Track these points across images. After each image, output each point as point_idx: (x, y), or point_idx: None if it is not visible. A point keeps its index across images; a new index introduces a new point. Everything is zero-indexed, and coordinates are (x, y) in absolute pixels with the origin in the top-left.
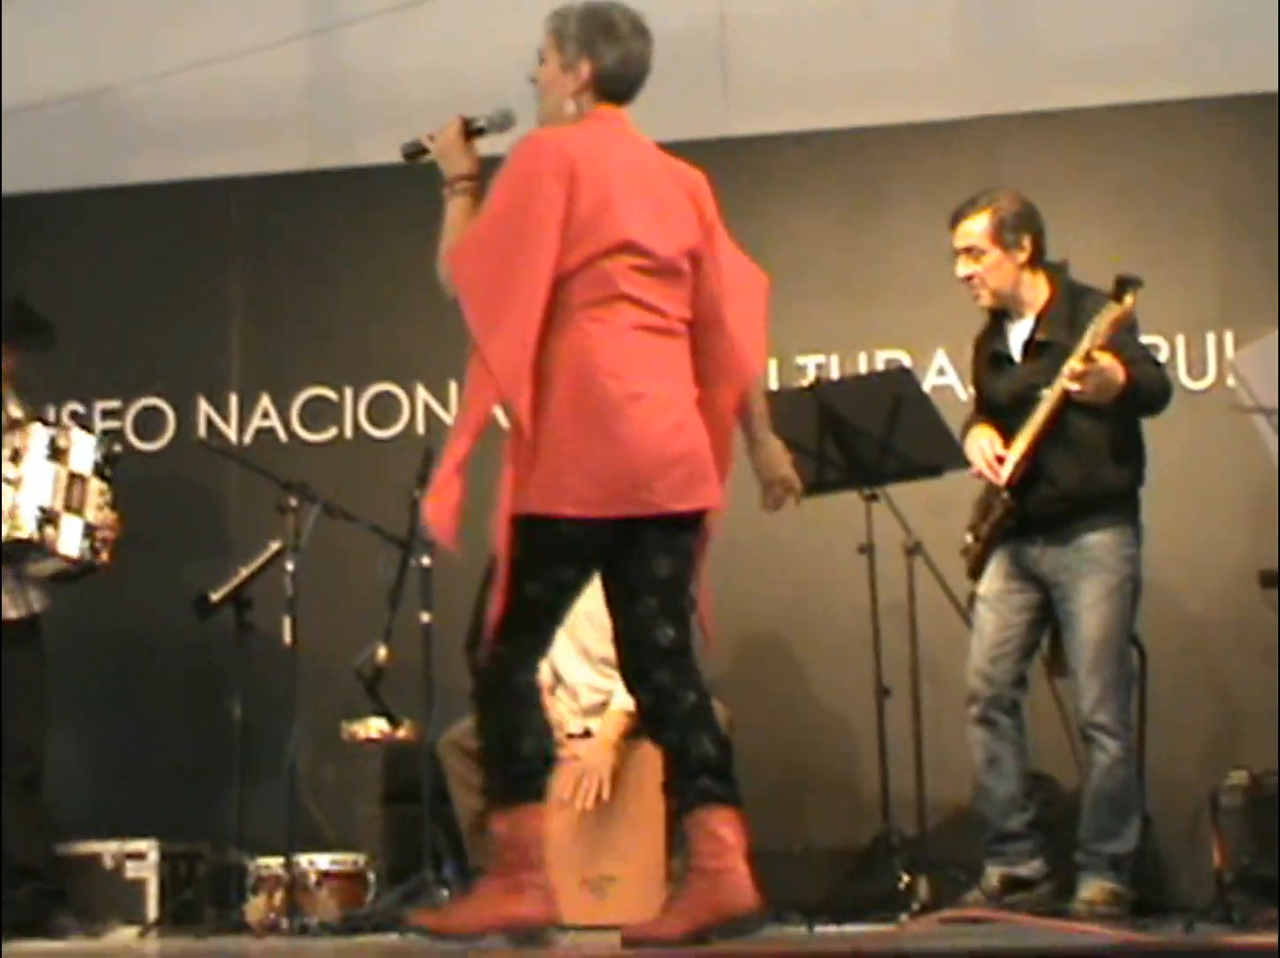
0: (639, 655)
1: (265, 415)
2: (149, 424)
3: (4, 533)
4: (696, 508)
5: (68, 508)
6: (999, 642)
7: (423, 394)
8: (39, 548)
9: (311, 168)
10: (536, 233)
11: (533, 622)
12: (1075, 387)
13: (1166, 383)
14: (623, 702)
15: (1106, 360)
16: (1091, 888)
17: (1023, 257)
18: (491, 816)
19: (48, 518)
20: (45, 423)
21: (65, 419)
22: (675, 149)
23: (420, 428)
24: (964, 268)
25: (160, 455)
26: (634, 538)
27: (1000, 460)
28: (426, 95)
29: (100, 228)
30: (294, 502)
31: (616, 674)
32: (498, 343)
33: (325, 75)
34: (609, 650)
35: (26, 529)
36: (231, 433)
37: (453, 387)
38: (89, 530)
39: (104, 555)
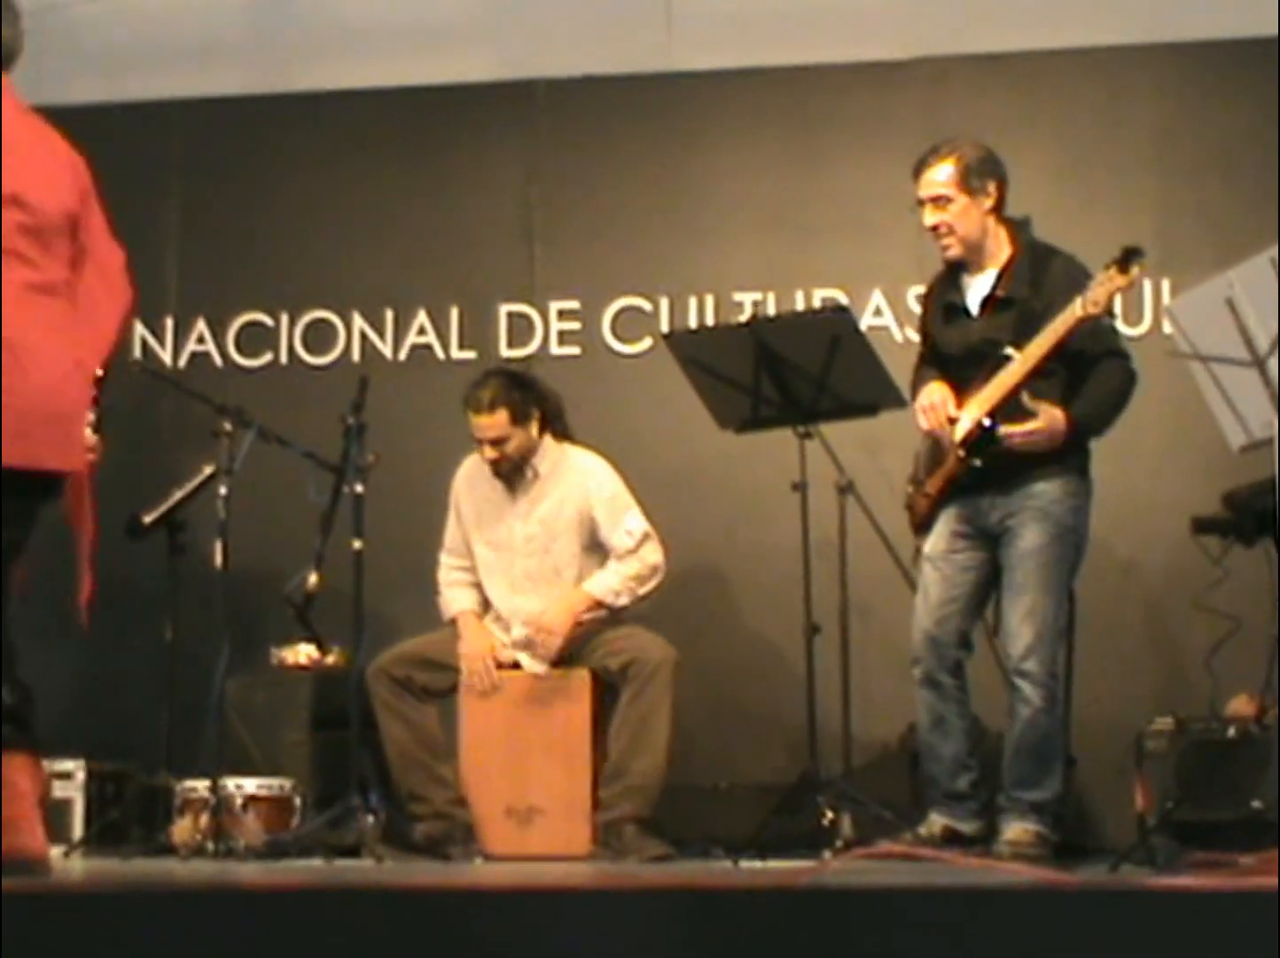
0: None
1: (201, 340)
2: None
3: None
4: (71, 469)
5: None
6: (944, 601)
7: (359, 321)
8: None
9: (251, 92)
10: None
11: None
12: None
13: (1129, 379)
14: (594, 587)
15: (1045, 412)
16: (1014, 829)
17: (988, 203)
18: None
19: None
20: None
21: None
22: (618, 83)
23: (355, 355)
24: (931, 217)
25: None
26: None
27: (952, 421)
28: (367, 18)
29: None
30: (228, 426)
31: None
32: None
33: None
34: (559, 574)
35: None
36: (166, 356)
37: (389, 314)
38: None
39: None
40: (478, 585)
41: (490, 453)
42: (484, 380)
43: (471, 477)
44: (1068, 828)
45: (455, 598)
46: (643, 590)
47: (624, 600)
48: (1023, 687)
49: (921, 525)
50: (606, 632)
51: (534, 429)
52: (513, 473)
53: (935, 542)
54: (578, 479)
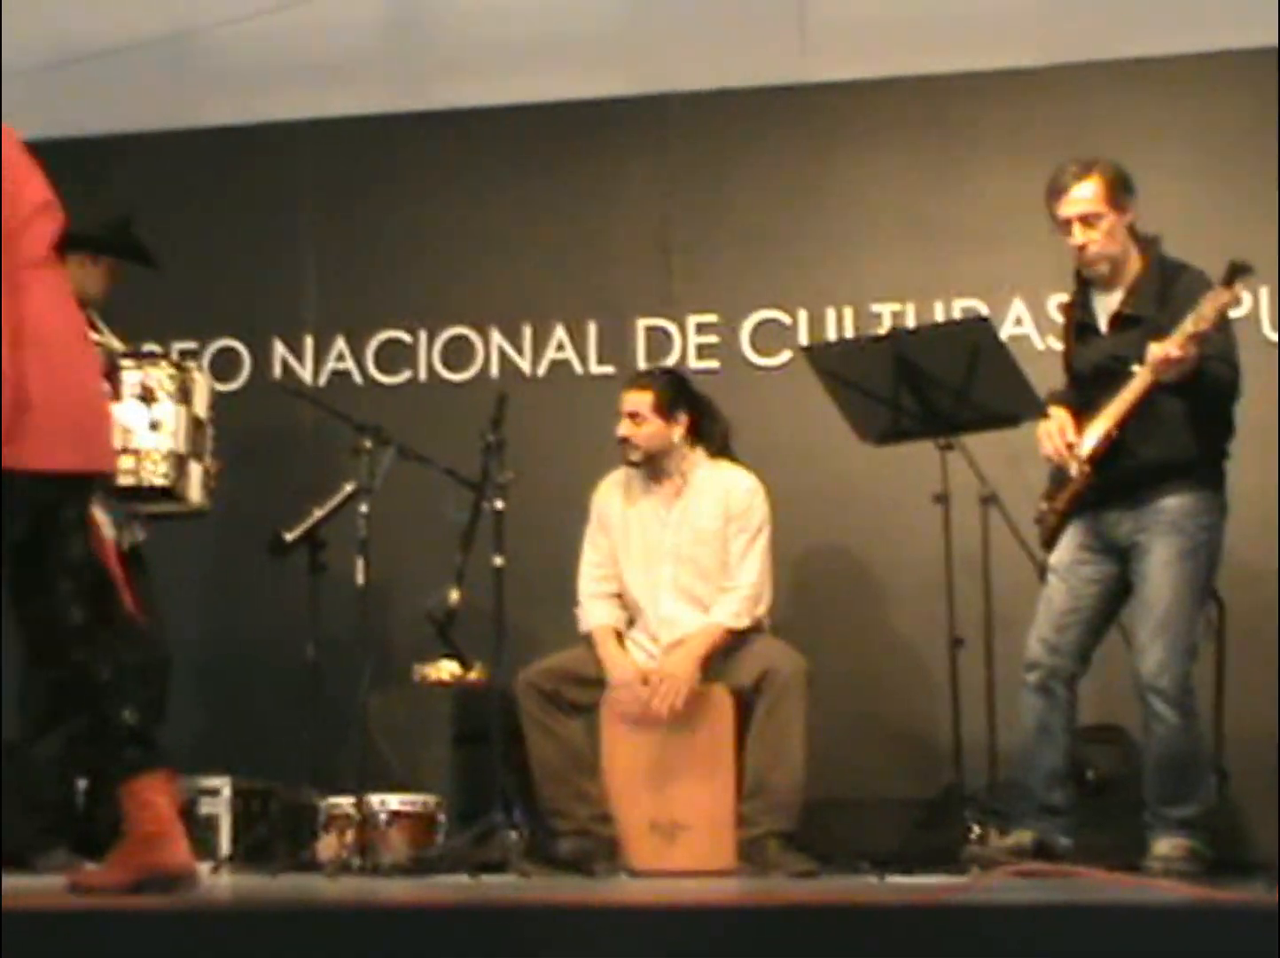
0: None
1: (340, 357)
2: (225, 365)
3: (143, 477)
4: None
5: (193, 454)
6: (1066, 611)
7: (497, 337)
8: (170, 494)
9: (388, 110)
10: None
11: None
12: (1169, 376)
13: (1234, 386)
14: (721, 618)
15: (1192, 351)
16: (1165, 845)
17: (1130, 219)
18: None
19: (180, 466)
20: (173, 363)
21: (185, 359)
22: (752, 95)
23: (494, 371)
24: (1081, 235)
25: (236, 396)
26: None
27: (1071, 447)
28: (500, 35)
29: (178, 170)
30: (368, 444)
31: (705, 607)
32: None
33: (401, 18)
34: (698, 585)
35: (168, 476)
36: (306, 375)
37: (527, 330)
38: (205, 477)
39: (210, 499)
40: (618, 597)
41: (624, 428)
42: (652, 368)
43: (619, 489)
44: (1222, 843)
45: (594, 611)
46: (759, 611)
47: (745, 623)
48: (1156, 704)
49: (1050, 540)
50: (739, 646)
51: (674, 431)
52: (651, 476)
53: (1061, 553)
54: (725, 491)
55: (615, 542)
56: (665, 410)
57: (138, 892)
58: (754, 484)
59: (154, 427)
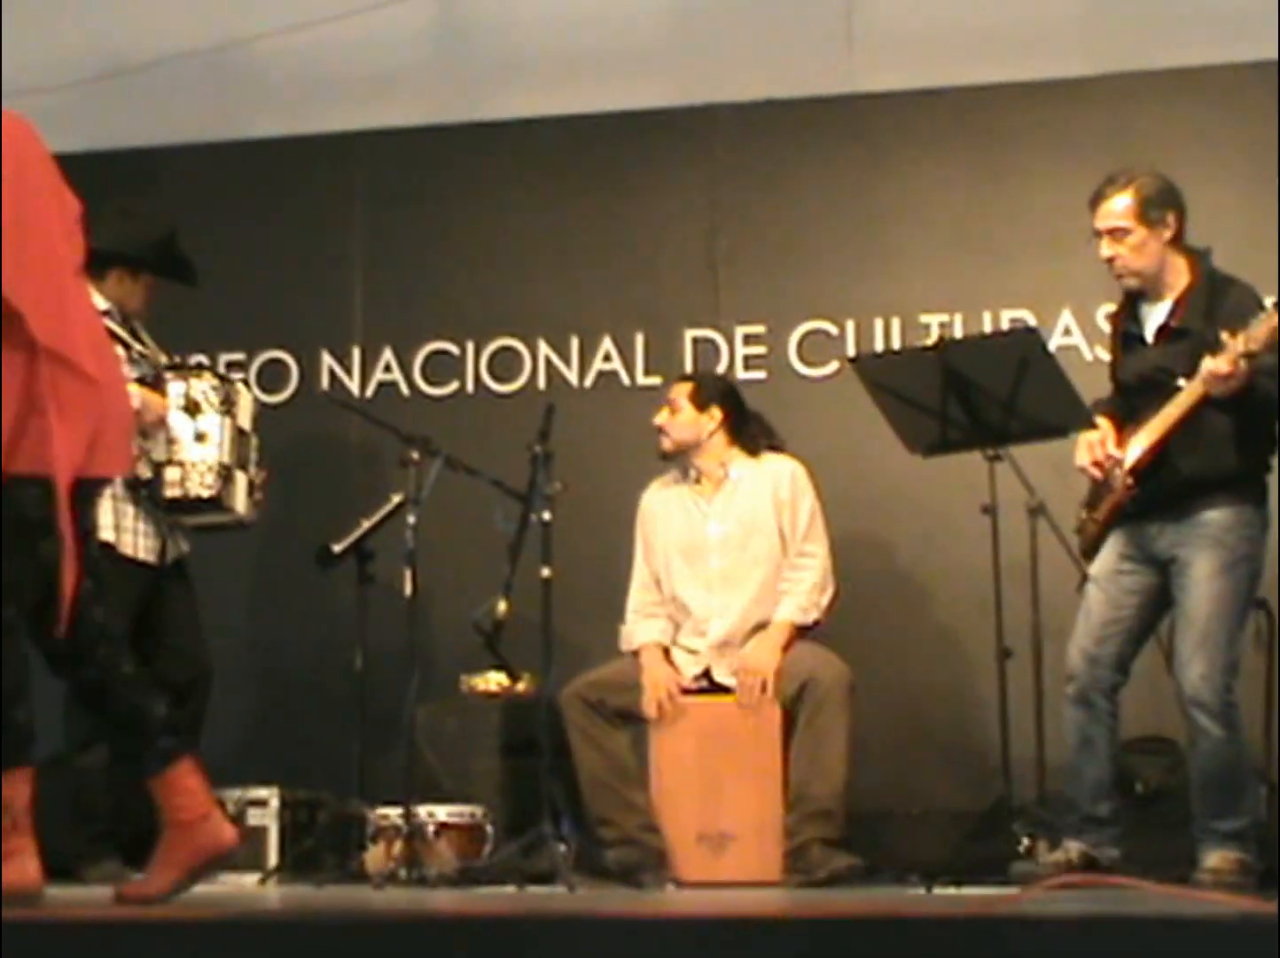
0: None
1: (387, 369)
2: (272, 377)
3: (189, 488)
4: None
5: (238, 465)
6: (1106, 622)
7: (544, 349)
8: (216, 505)
9: (434, 122)
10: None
11: (44, 583)
12: (1218, 391)
13: (1276, 402)
14: (790, 614)
15: (1243, 368)
16: (1215, 857)
17: (1167, 234)
18: (151, 781)
19: (226, 475)
20: (216, 374)
21: (230, 371)
22: (799, 106)
23: (541, 382)
24: (1108, 249)
25: (283, 408)
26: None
27: (1111, 460)
28: (547, 47)
29: (224, 182)
30: (416, 455)
31: (757, 595)
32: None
33: (448, 29)
34: (753, 573)
35: (214, 487)
36: (354, 386)
37: (574, 341)
38: (250, 487)
39: (256, 510)
40: (668, 618)
41: (661, 415)
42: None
43: (660, 496)
44: (1272, 855)
45: (641, 629)
46: (824, 601)
47: (813, 616)
48: (1199, 718)
49: (1090, 551)
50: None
51: (706, 424)
52: (689, 476)
53: (1102, 563)
54: (772, 476)
55: (660, 549)
56: (699, 401)
57: (192, 882)
58: (796, 466)
59: (199, 438)
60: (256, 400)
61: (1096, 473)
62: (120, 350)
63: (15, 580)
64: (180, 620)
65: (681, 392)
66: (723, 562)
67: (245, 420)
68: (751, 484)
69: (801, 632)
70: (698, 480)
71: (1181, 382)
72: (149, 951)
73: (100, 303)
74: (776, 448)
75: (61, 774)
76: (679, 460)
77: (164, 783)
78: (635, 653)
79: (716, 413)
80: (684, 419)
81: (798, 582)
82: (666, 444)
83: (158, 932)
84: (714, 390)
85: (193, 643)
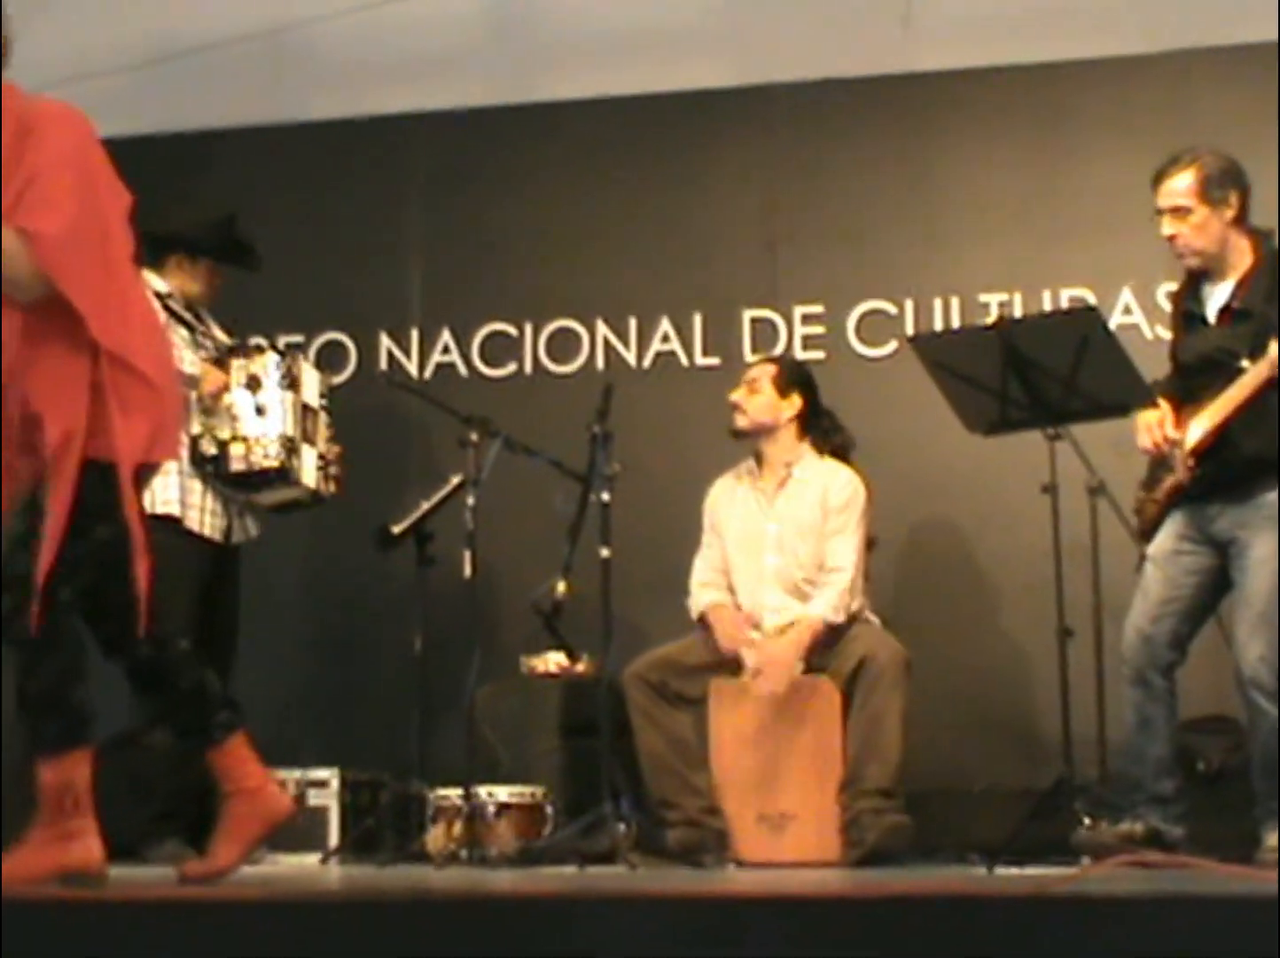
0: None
1: (446, 350)
2: (331, 358)
3: (253, 460)
4: None
5: (305, 438)
6: (1163, 601)
7: (602, 329)
8: (283, 477)
9: (492, 103)
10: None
11: (99, 565)
12: None
13: None
14: (821, 611)
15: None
16: (1276, 837)
17: (1229, 214)
18: (41, 765)
19: (290, 447)
20: (277, 350)
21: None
22: (857, 85)
23: (600, 363)
24: (1169, 228)
25: (342, 389)
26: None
27: (1170, 442)
28: (605, 28)
29: (281, 165)
30: (475, 436)
31: (804, 596)
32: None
33: (505, 10)
34: (797, 574)
35: (277, 458)
36: (413, 367)
37: (632, 322)
38: (322, 461)
39: (333, 486)
40: (730, 590)
41: (739, 392)
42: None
43: (725, 487)
44: None
45: (706, 595)
46: (854, 606)
47: (841, 617)
48: (1258, 699)
49: (1148, 532)
50: (840, 635)
51: (784, 410)
52: (757, 463)
53: (1161, 542)
54: (825, 485)
55: (723, 539)
56: (781, 386)
57: (258, 850)
58: (852, 478)
59: (259, 412)
60: (324, 378)
61: (1158, 454)
62: (184, 331)
63: (72, 563)
64: (220, 613)
65: (765, 373)
66: (777, 560)
67: (311, 396)
68: (810, 489)
69: (830, 632)
70: (762, 473)
71: (1245, 363)
72: (209, 931)
73: (161, 286)
74: (842, 451)
75: (124, 754)
76: (748, 443)
77: (226, 754)
78: (702, 618)
79: (796, 400)
80: (764, 401)
81: (830, 584)
82: (742, 422)
83: (219, 912)
84: (796, 377)
85: (227, 638)
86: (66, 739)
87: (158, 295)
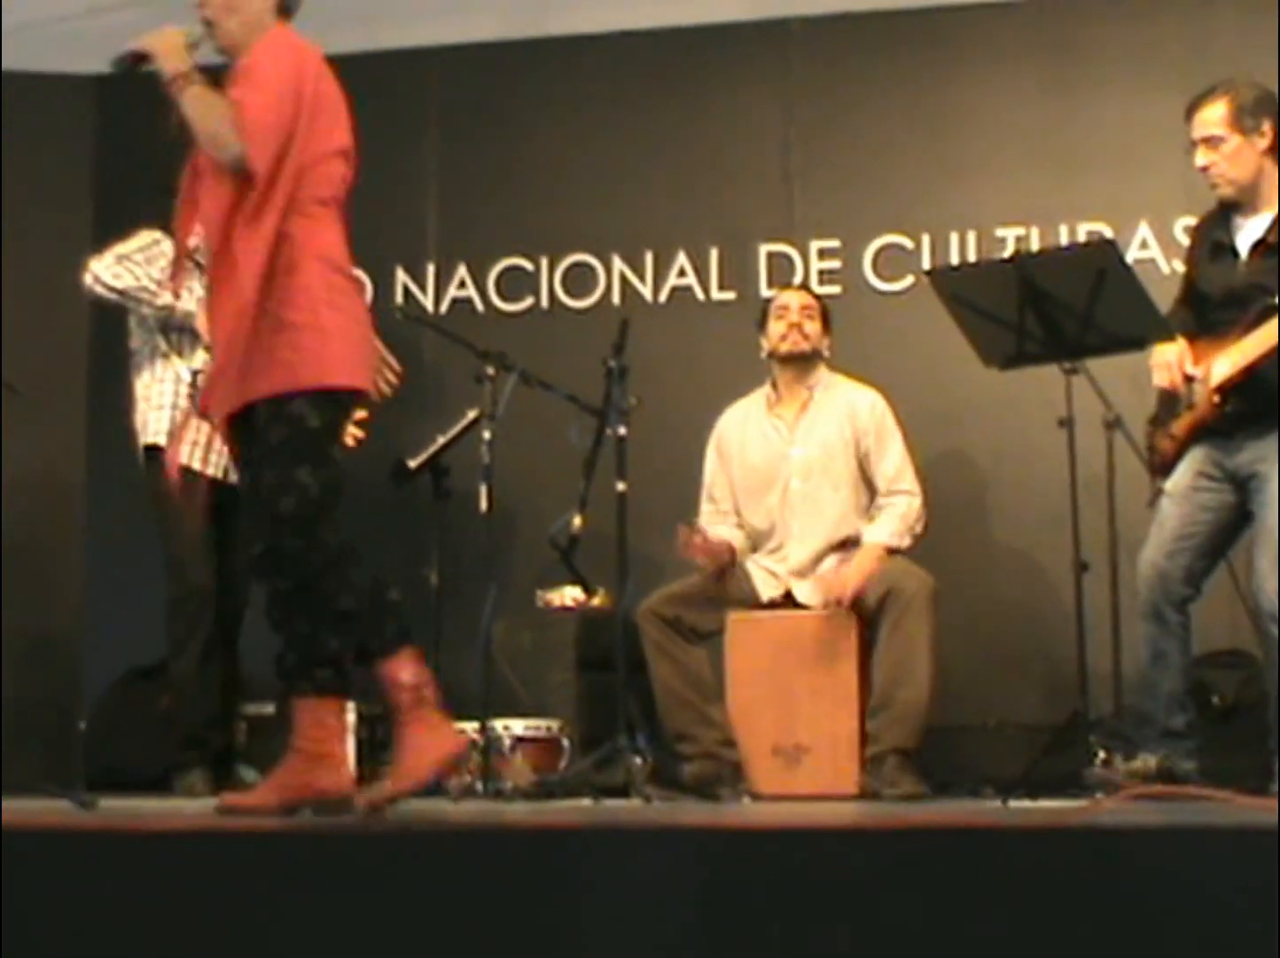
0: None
1: (462, 285)
2: None
3: None
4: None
5: None
6: (1179, 536)
7: (618, 264)
8: None
9: (507, 37)
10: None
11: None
12: None
13: None
14: (882, 537)
15: None
16: None
17: (1263, 143)
18: (299, 701)
19: None
20: None
21: None
22: (873, 18)
23: (615, 298)
24: (1203, 158)
25: None
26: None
27: (1188, 378)
28: None
29: None
30: (491, 370)
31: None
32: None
33: None
34: (828, 494)
35: None
36: (429, 302)
37: (648, 256)
38: None
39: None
40: (740, 528)
41: (796, 316)
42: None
43: (736, 419)
44: None
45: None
46: (918, 528)
47: (906, 542)
48: (1276, 631)
49: (1162, 467)
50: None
51: (826, 339)
52: (785, 388)
53: (1179, 478)
54: (849, 404)
55: (734, 472)
56: (825, 320)
57: (290, 813)
58: (879, 400)
59: None
60: None
61: (1175, 390)
62: (198, 274)
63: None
64: (237, 548)
65: (813, 303)
66: (804, 484)
67: None
68: (832, 407)
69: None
70: (782, 400)
71: (1277, 300)
72: (225, 862)
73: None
74: None
75: (150, 685)
76: (763, 372)
77: (308, 707)
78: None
79: (827, 332)
80: (818, 329)
81: (892, 508)
82: (805, 345)
83: (233, 844)
84: (826, 310)
85: (243, 573)
86: (331, 684)
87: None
